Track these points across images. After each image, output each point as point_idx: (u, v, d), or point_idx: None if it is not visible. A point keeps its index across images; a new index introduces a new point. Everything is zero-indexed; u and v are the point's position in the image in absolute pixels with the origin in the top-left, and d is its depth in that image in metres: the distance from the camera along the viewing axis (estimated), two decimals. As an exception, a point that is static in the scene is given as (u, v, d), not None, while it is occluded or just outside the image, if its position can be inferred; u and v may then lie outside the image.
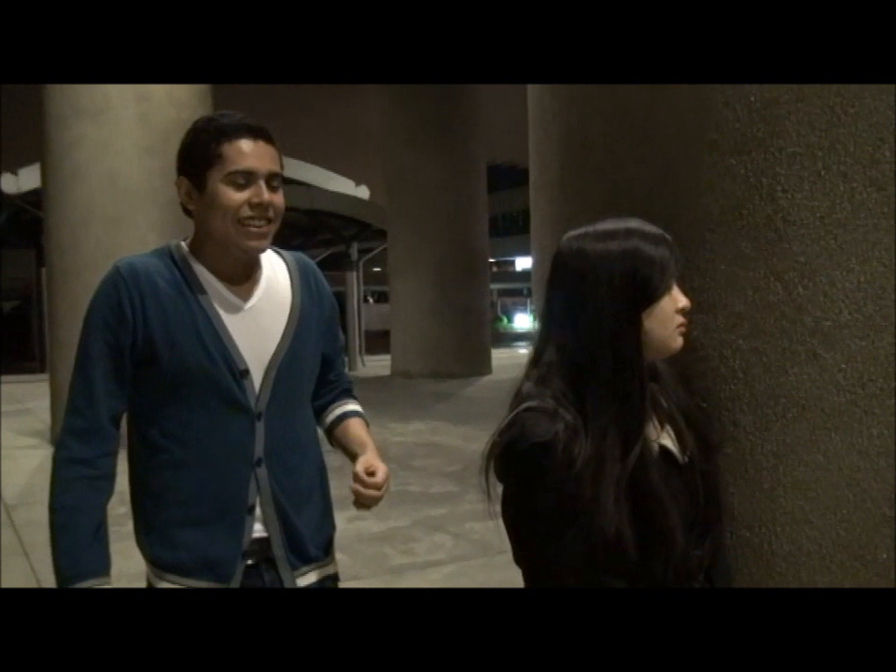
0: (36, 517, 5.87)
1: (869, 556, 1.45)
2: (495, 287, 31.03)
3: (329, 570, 1.91)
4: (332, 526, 1.95)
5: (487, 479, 1.43)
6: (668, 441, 1.46)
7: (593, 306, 1.37)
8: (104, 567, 1.73)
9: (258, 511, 1.78)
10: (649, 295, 1.38)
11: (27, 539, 5.45)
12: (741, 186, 1.52)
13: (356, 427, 1.96)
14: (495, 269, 34.20)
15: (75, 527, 1.73)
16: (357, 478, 1.75)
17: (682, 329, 1.43)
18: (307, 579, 1.84)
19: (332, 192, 21.60)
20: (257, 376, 1.77)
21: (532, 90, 2.02)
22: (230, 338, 1.74)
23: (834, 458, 1.47)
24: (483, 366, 14.36)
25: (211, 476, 1.75)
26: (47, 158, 8.75)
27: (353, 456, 1.87)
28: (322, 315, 1.91)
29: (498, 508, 1.43)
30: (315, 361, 1.91)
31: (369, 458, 1.81)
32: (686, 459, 1.47)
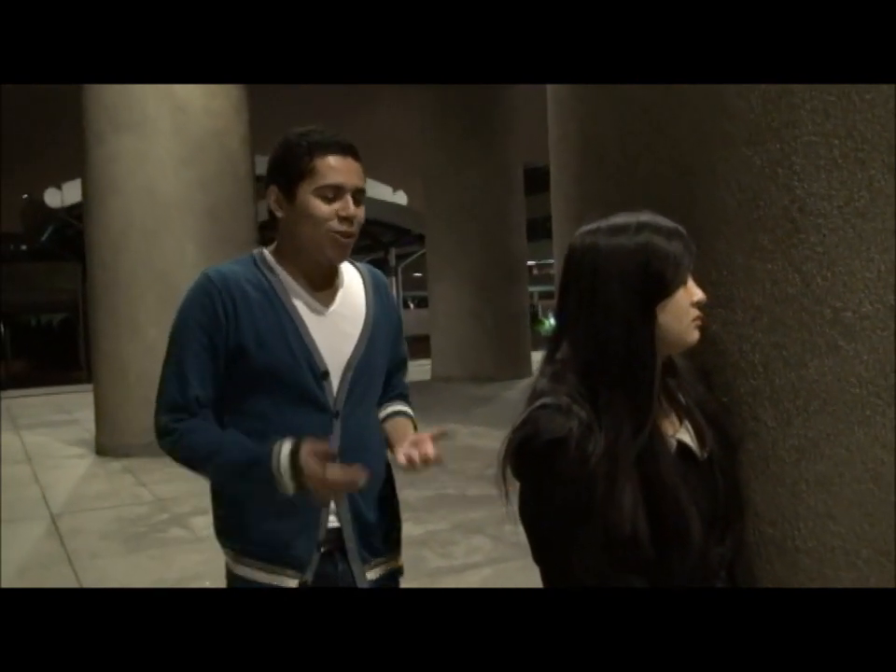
0: (81, 526, 5.99)
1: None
2: (534, 289, 30.93)
3: (395, 564, 2.01)
4: (399, 522, 2.06)
5: (504, 478, 1.42)
6: (687, 436, 1.44)
7: (605, 302, 1.36)
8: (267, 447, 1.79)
9: (332, 505, 1.88)
10: (662, 289, 1.36)
11: (71, 547, 5.54)
12: (757, 177, 1.50)
13: (402, 424, 2.05)
14: (535, 271, 34.06)
15: (220, 446, 1.81)
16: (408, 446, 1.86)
17: (698, 323, 1.41)
18: (375, 572, 1.94)
19: (370, 198, 21.66)
20: (335, 377, 1.88)
21: (551, 88, 2.01)
22: (312, 341, 1.86)
23: (858, 452, 1.43)
24: (523, 369, 14.31)
25: None
26: (86, 172, 8.91)
27: (395, 451, 1.95)
28: (390, 325, 2.02)
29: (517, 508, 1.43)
30: (384, 367, 2.02)
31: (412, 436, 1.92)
32: (705, 455, 1.45)
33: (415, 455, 1.82)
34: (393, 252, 21.34)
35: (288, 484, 1.72)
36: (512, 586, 4.33)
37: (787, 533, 1.49)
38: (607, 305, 1.36)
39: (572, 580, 1.36)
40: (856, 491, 1.44)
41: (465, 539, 5.34)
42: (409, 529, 5.93)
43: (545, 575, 1.42)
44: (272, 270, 1.89)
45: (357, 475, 1.70)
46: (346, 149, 1.83)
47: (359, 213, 1.85)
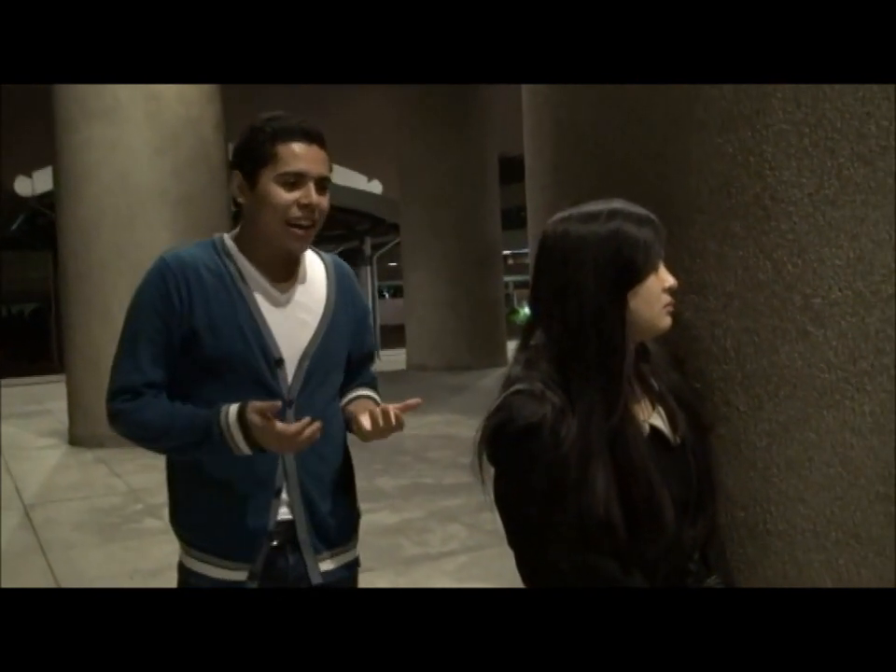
0: (54, 516, 5.96)
1: (864, 533, 1.45)
2: (510, 279, 30.95)
3: (350, 556, 1.98)
4: (356, 513, 2.03)
5: (480, 465, 1.43)
6: (659, 421, 1.46)
7: (577, 289, 1.38)
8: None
9: (284, 495, 1.86)
10: (633, 275, 1.38)
11: (45, 537, 5.51)
12: (729, 165, 1.51)
13: (365, 404, 1.99)
14: (510, 261, 34.03)
15: (172, 417, 1.80)
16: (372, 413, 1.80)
17: (670, 309, 1.43)
18: (328, 564, 1.91)
19: (344, 187, 21.61)
20: (290, 366, 1.86)
21: (525, 76, 2.01)
22: (267, 328, 1.84)
23: (827, 436, 1.46)
24: (498, 358, 14.34)
25: (241, 459, 1.81)
26: (58, 160, 8.81)
27: (356, 420, 1.90)
28: (354, 317, 2.00)
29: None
30: (343, 357, 1.98)
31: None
32: (678, 440, 1.47)
33: (378, 414, 1.79)
34: (368, 241, 21.26)
35: (239, 441, 1.73)
36: (488, 573, 4.35)
37: (758, 516, 1.52)
38: (578, 292, 1.38)
39: (546, 564, 1.37)
40: (825, 475, 1.46)
41: (441, 527, 5.35)
42: (385, 518, 5.95)
43: (519, 560, 1.43)
44: (230, 256, 1.87)
45: (304, 426, 1.68)
46: (311, 136, 1.80)
47: (322, 201, 1.81)
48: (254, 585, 1.83)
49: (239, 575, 1.83)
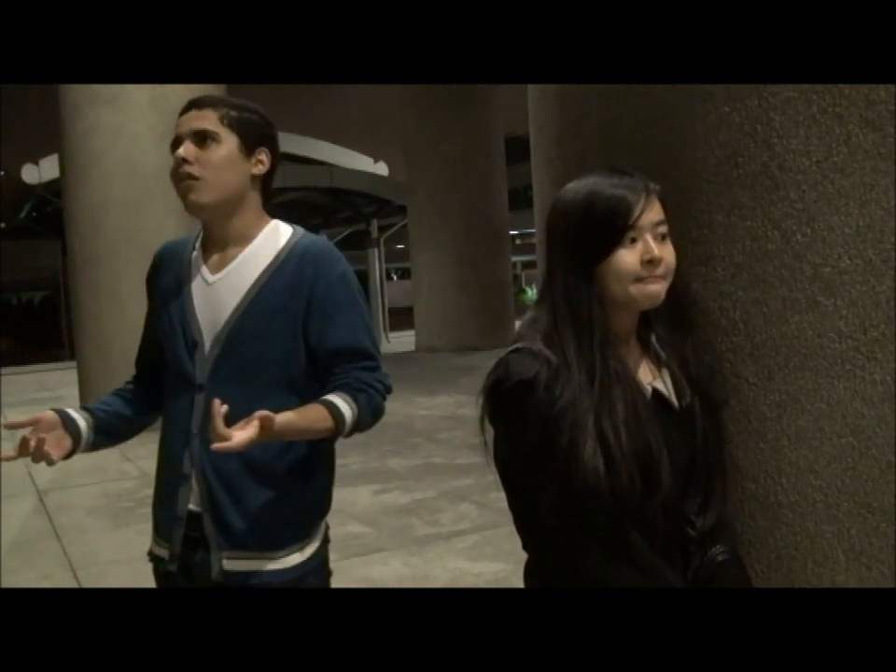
0: (68, 502, 6.00)
1: (875, 503, 1.44)
2: (517, 259, 30.87)
3: (264, 565, 1.78)
4: (287, 524, 1.80)
5: (482, 425, 1.43)
6: (662, 385, 1.45)
7: (551, 261, 1.43)
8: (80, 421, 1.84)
9: (193, 484, 1.81)
10: (600, 248, 1.37)
11: (59, 522, 5.55)
12: (736, 134, 1.50)
13: (304, 408, 1.70)
14: (518, 241, 33.97)
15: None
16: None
17: (642, 283, 1.38)
18: (234, 564, 1.77)
19: (350, 170, 21.55)
20: (206, 349, 1.80)
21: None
22: (192, 311, 1.82)
23: (838, 406, 1.45)
24: (506, 338, 14.26)
25: (164, 444, 1.90)
26: (64, 147, 8.81)
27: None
28: (298, 302, 1.77)
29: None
30: (284, 347, 1.78)
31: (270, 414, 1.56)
32: (681, 406, 1.45)
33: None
34: (375, 223, 21.18)
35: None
36: (499, 552, 4.37)
37: (769, 488, 1.51)
38: (552, 265, 1.43)
39: (539, 523, 1.38)
40: (836, 445, 1.45)
41: (452, 507, 5.37)
42: (396, 498, 5.97)
43: (515, 517, 1.43)
44: (196, 239, 1.93)
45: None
46: (191, 104, 1.83)
47: (201, 155, 1.77)
48: (174, 567, 1.83)
49: (163, 552, 1.87)
